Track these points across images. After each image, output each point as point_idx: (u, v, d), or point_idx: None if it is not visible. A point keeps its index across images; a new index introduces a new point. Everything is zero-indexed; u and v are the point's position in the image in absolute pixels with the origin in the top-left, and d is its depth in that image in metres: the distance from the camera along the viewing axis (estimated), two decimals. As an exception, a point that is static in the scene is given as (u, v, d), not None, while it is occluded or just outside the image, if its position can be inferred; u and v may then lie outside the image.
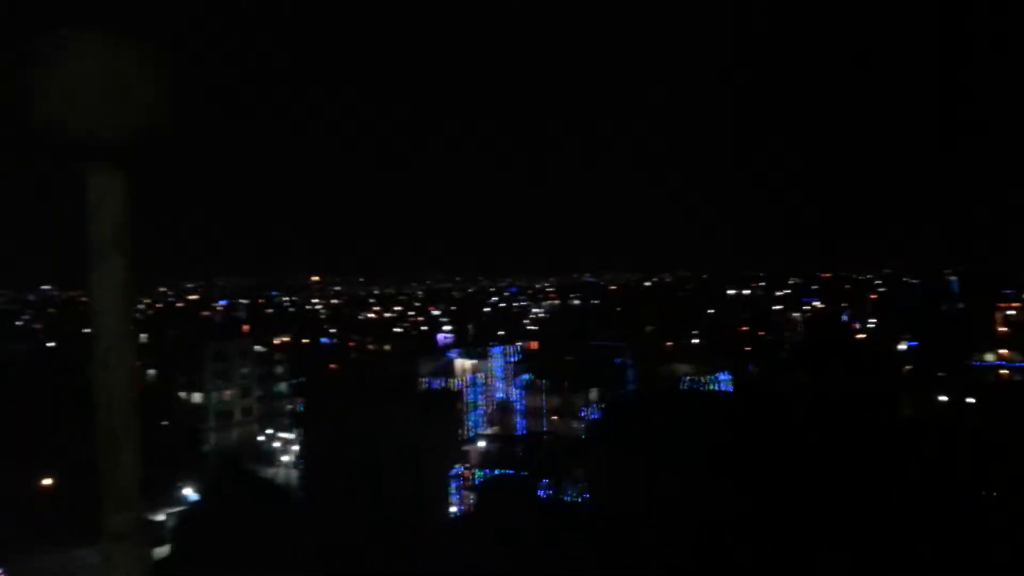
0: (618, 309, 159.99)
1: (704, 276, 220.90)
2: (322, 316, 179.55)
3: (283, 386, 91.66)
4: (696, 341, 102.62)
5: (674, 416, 43.69)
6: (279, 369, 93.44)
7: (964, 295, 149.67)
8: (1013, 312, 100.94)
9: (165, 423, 67.01)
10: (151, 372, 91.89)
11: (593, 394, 72.45)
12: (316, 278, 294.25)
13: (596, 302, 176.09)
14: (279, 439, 77.51)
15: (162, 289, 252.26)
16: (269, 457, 73.71)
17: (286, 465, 71.58)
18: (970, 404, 76.01)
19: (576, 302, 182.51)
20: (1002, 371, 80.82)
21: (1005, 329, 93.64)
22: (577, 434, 69.38)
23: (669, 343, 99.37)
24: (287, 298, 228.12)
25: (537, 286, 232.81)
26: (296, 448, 73.28)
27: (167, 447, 63.36)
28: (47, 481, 55.59)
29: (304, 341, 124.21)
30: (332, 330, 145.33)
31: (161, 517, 56.83)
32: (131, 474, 2.54)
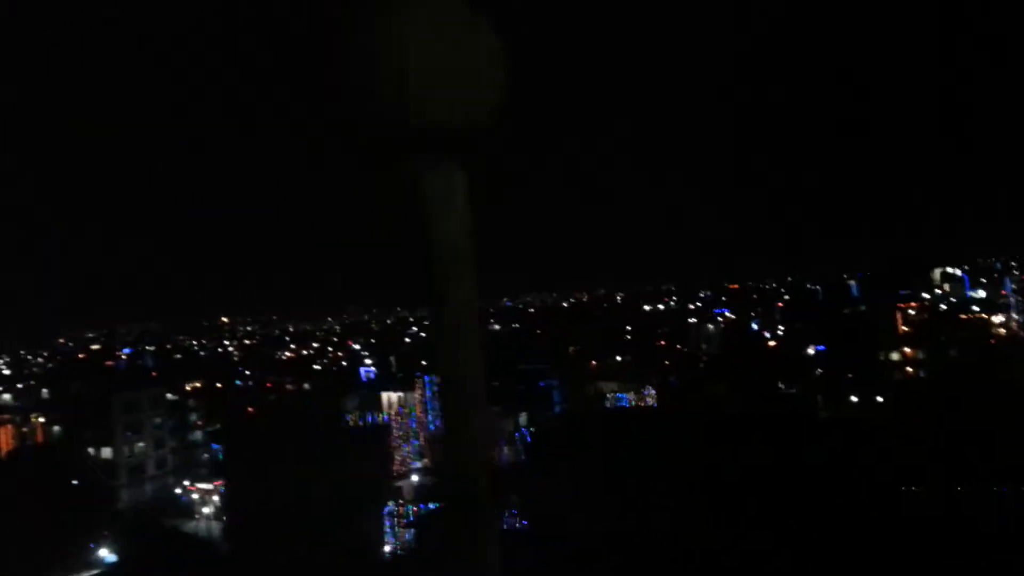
0: (538, 332, 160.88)
1: (619, 293, 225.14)
2: (235, 358, 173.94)
3: (199, 434, 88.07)
4: (619, 359, 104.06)
5: (606, 434, 43.92)
6: (193, 417, 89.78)
7: (864, 297, 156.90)
8: (912, 312, 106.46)
9: (75, 482, 63.16)
10: (55, 429, 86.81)
11: (522, 418, 72.31)
12: (225, 319, 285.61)
13: (516, 326, 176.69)
14: (198, 490, 74.18)
15: (60, 340, 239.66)
16: (188, 510, 70.39)
17: (207, 517, 68.53)
18: (879, 402, 79.55)
19: (496, 327, 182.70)
20: (907, 368, 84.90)
21: (906, 328, 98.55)
22: (510, 460, 68.96)
23: (593, 362, 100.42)
24: (195, 342, 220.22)
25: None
26: (217, 499, 70.36)
27: (78, 507, 59.82)
28: None
29: (218, 385, 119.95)
30: (247, 372, 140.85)
31: (75, 583, 53.54)
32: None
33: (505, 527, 46.19)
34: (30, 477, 60.66)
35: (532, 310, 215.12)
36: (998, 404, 51.77)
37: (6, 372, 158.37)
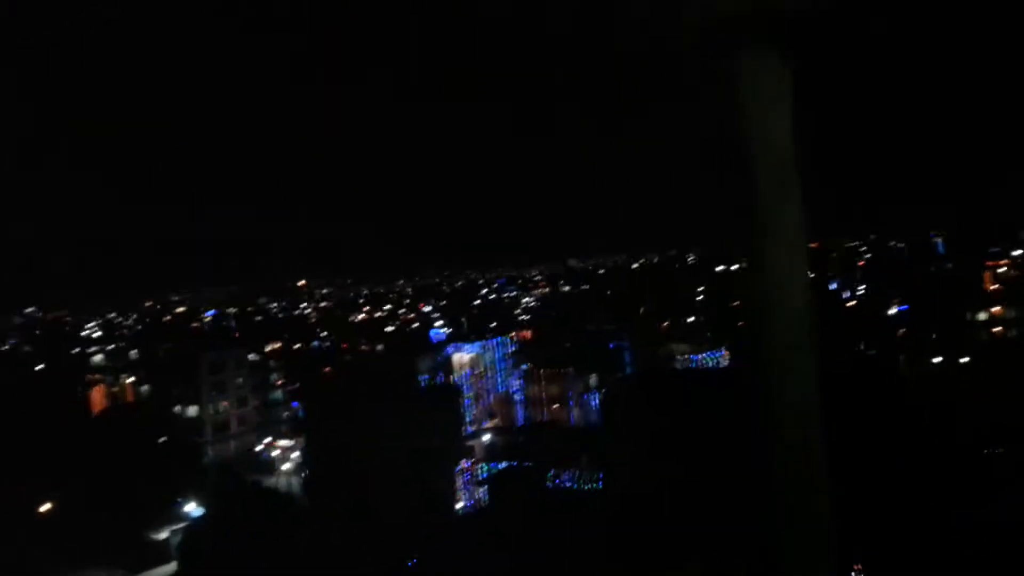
0: (608, 293, 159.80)
1: (691, 254, 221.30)
2: (312, 320, 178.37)
3: (279, 394, 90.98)
4: (691, 320, 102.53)
5: (681, 396, 43.40)
6: (273, 377, 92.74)
7: (951, 256, 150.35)
8: (1003, 270, 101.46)
9: (163, 439, 66.22)
10: (144, 388, 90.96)
11: (592, 380, 72.16)
12: (302, 282, 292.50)
13: (586, 287, 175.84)
14: (278, 447, 76.83)
15: (148, 303, 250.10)
16: (269, 467, 73.03)
17: (287, 473, 70.95)
18: (965, 363, 76.38)
19: (566, 288, 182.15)
20: (995, 328, 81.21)
21: (996, 286, 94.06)
22: (580, 421, 69.24)
23: (664, 324, 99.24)
24: (275, 304, 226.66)
25: (525, 275, 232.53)
26: (296, 455, 72.66)
27: (166, 463, 62.71)
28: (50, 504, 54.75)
29: (296, 347, 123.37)
30: (323, 333, 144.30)
31: (164, 535, 56.22)
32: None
33: (576, 487, 46.47)
34: (121, 435, 63.90)
35: (602, 271, 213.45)
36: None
37: (97, 334, 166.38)
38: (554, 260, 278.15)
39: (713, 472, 37.51)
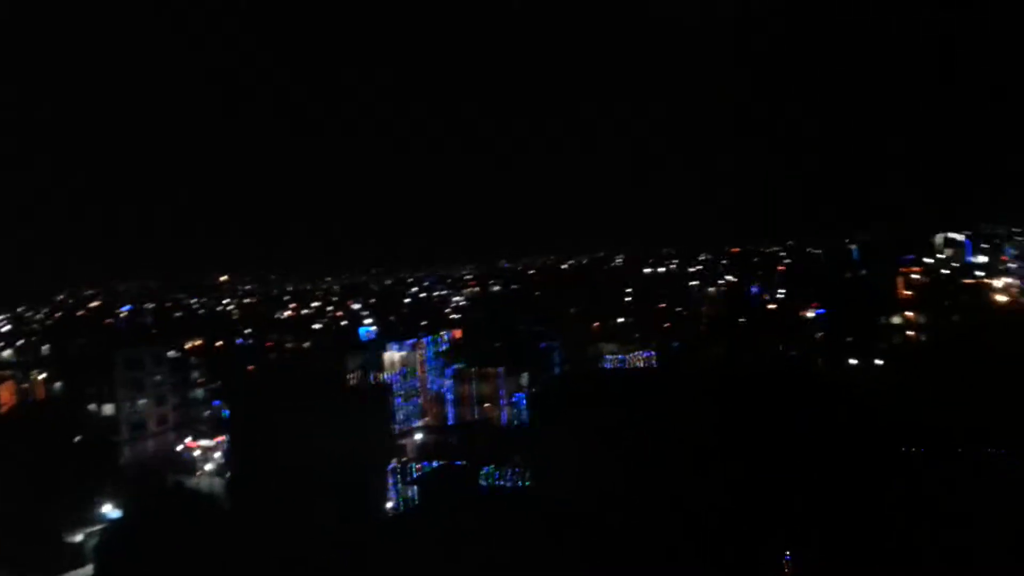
0: (538, 293, 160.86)
1: (619, 256, 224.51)
2: (235, 316, 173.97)
3: (199, 392, 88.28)
4: (620, 321, 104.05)
5: (610, 394, 43.93)
6: (194, 375, 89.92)
7: (865, 262, 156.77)
8: (916, 276, 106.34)
9: (77, 438, 63.45)
10: (57, 385, 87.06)
11: (523, 379, 72.49)
12: (224, 277, 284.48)
13: (516, 287, 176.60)
14: (199, 447, 74.60)
15: (60, 297, 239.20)
16: (190, 466, 70.85)
17: (209, 474, 68.96)
18: (879, 365, 79.68)
19: (496, 288, 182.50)
20: (908, 332, 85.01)
21: (908, 293, 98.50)
22: (511, 420, 69.41)
23: (594, 324, 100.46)
24: (195, 300, 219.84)
25: (455, 275, 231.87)
26: (219, 456, 70.73)
27: (81, 463, 60.15)
28: None
29: (218, 344, 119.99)
30: (247, 330, 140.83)
31: (80, 537, 53.94)
32: None
33: (508, 486, 46.53)
34: (32, 434, 60.93)
35: (532, 271, 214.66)
36: (999, 368, 51.79)
37: (6, 329, 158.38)
38: (484, 260, 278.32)
39: (643, 471, 38.11)
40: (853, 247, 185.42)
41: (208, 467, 69.64)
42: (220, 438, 70.04)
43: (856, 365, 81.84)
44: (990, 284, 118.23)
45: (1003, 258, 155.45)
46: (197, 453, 73.11)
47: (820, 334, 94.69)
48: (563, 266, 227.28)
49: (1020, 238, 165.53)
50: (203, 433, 77.36)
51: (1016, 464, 40.78)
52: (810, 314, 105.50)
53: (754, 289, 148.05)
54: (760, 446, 40.61)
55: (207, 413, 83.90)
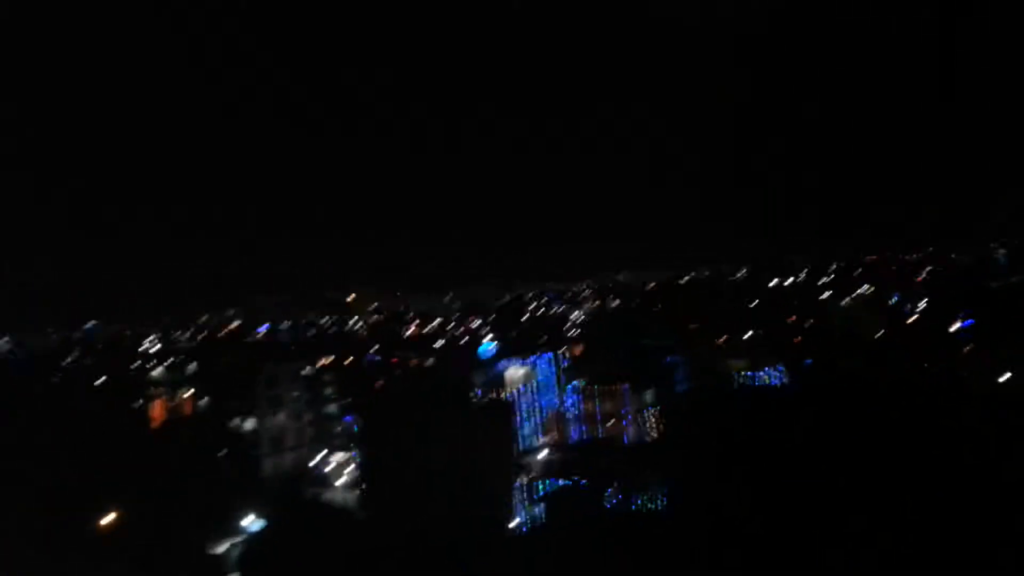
0: (658, 307, 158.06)
1: (744, 269, 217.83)
2: (363, 334, 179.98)
3: (333, 407, 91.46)
4: (747, 336, 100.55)
5: (748, 414, 42.37)
6: (328, 391, 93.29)
7: (1015, 268, 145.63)
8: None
9: (221, 452, 67.08)
10: (203, 401, 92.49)
11: (648, 396, 71.09)
12: (352, 296, 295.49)
13: (636, 302, 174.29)
14: (333, 461, 77.16)
15: (204, 318, 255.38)
16: (325, 480, 73.35)
17: (343, 487, 71.15)
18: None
19: (615, 303, 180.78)
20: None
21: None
22: (636, 438, 68.13)
23: (720, 339, 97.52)
24: (326, 318, 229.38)
25: (573, 290, 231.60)
26: (351, 469, 72.80)
27: (225, 476, 63.38)
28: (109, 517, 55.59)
29: (348, 361, 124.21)
30: (374, 347, 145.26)
31: (223, 548, 56.60)
32: None
33: (633, 507, 45.64)
34: (181, 448, 64.82)
35: (651, 286, 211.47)
36: None
37: (156, 348, 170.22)
38: (602, 274, 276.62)
39: (781, 492, 36.49)
40: (1001, 252, 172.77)
41: (342, 480, 71.84)
42: (353, 452, 72.16)
43: (1009, 380, 75.68)
44: None
45: None
46: (331, 467, 75.58)
47: (968, 347, 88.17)
48: (683, 279, 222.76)
49: None
50: (336, 447, 79.99)
51: None
52: (955, 326, 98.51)
53: (894, 299, 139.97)
54: (903, 467, 38.24)
55: (339, 428, 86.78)
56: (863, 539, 34.42)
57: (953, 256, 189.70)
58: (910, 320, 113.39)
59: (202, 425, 78.43)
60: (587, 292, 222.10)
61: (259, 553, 48.14)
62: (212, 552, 56.58)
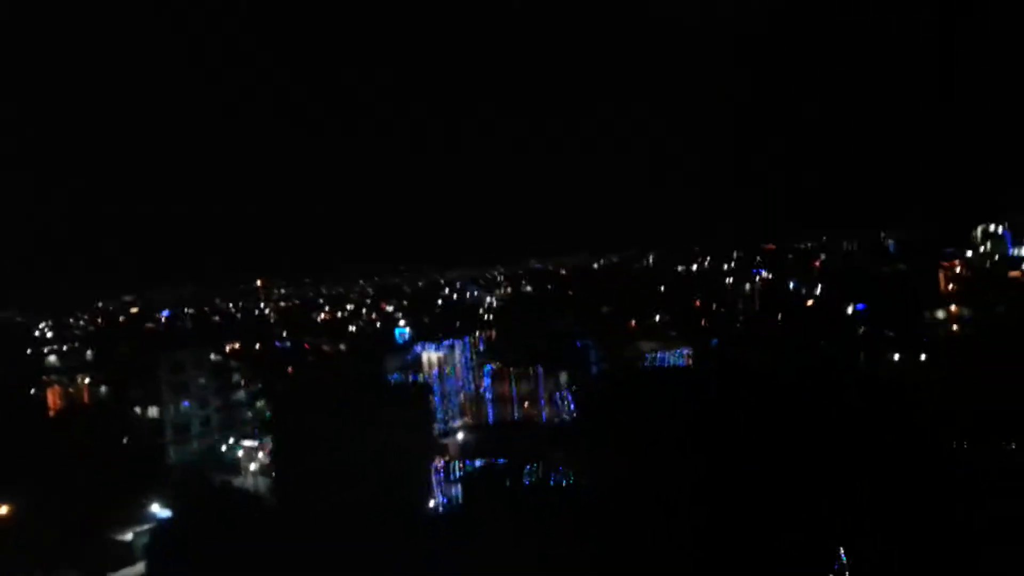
0: (570, 293, 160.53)
1: (651, 255, 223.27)
2: (272, 320, 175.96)
3: (241, 394, 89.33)
4: (656, 319, 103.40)
5: (657, 394, 43.68)
6: (236, 377, 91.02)
7: (903, 257, 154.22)
8: (956, 270, 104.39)
9: (124, 440, 64.61)
10: (102, 389, 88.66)
11: (562, 378, 72.30)
12: (260, 282, 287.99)
13: (549, 287, 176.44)
14: (243, 448, 75.47)
15: (99, 304, 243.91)
16: (235, 467, 71.69)
17: (254, 474, 69.70)
18: (923, 360, 78.31)
19: (529, 288, 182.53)
20: (952, 326, 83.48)
21: (952, 287, 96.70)
22: (551, 419, 69.25)
23: (630, 322, 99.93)
24: (232, 304, 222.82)
25: (487, 275, 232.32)
26: (262, 456, 71.43)
27: (129, 464, 61.20)
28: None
29: (257, 346, 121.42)
30: (284, 333, 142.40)
31: (129, 536, 54.84)
32: None
33: (552, 484, 46.43)
34: (81, 436, 62.11)
35: (563, 271, 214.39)
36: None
37: (50, 335, 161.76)
38: (515, 260, 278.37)
39: (689, 470, 37.81)
40: (889, 242, 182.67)
41: (253, 467, 70.41)
42: (265, 438, 70.78)
43: (899, 360, 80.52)
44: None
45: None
46: (241, 453, 73.98)
47: (862, 329, 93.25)
48: (595, 265, 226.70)
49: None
50: (246, 434, 78.23)
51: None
52: (850, 310, 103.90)
53: (791, 285, 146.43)
54: (804, 443, 40.18)
55: (249, 414, 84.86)
56: (762, 507, 36.05)
57: (845, 244, 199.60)
58: (807, 303, 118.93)
59: (102, 413, 75.18)
60: (501, 277, 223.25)
61: (166, 541, 46.72)
62: (118, 540, 54.78)
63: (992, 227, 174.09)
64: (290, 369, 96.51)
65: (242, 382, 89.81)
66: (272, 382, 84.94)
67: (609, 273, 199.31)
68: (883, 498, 37.32)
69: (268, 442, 67.91)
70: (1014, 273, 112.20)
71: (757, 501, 35.58)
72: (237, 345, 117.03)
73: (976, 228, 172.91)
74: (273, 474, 61.15)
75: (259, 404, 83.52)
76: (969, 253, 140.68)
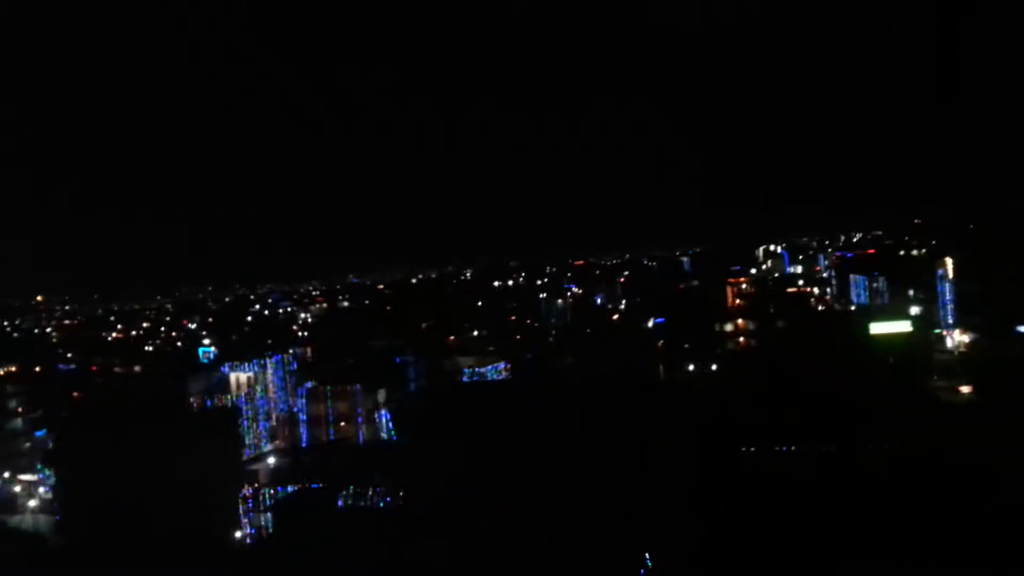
0: (388, 308, 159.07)
1: (468, 270, 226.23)
2: (55, 339, 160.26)
3: (18, 422, 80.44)
4: (475, 334, 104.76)
5: (474, 408, 44.18)
6: (12, 403, 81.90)
7: (696, 273, 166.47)
8: (743, 286, 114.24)
9: None
10: None
11: (380, 396, 71.26)
12: (40, 298, 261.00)
13: (367, 303, 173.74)
14: (21, 482, 68.00)
15: None
16: (11, 504, 64.45)
17: (33, 511, 62.95)
18: (714, 370, 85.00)
19: (345, 304, 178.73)
20: (740, 339, 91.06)
21: (739, 302, 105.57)
22: (370, 438, 67.97)
23: (448, 337, 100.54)
24: (7, 322, 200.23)
25: (301, 290, 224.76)
26: (43, 490, 64.80)
27: None
28: None
29: (37, 369, 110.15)
30: (69, 354, 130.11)
31: None
32: None
33: (372, 504, 45.62)
34: None
35: (381, 286, 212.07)
36: (824, 367, 56.72)
37: None
38: (330, 275, 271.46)
39: (517, 484, 38.59)
40: (684, 259, 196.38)
41: (32, 503, 63.63)
42: (47, 472, 64.23)
43: (694, 370, 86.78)
44: (809, 292, 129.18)
45: (816, 268, 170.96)
46: (18, 488, 66.64)
47: (660, 342, 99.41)
48: (413, 280, 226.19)
49: (830, 249, 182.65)
50: (25, 467, 70.49)
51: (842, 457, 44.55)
52: (650, 323, 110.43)
53: (598, 300, 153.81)
54: (614, 449, 42.27)
55: (27, 444, 76.51)
56: (579, 518, 37.49)
57: (645, 261, 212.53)
58: (614, 317, 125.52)
59: None
60: (315, 292, 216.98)
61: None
62: None
63: (772, 247, 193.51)
64: (76, 394, 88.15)
65: (19, 409, 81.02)
66: (55, 408, 77.14)
67: (428, 289, 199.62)
68: (677, 496, 39.90)
69: (50, 476, 61.89)
70: (791, 289, 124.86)
71: (568, 501, 36.89)
72: (13, 368, 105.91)
73: (758, 247, 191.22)
74: (57, 511, 55.53)
75: (39, 433, 75.57)
76: (753, 271, 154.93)
